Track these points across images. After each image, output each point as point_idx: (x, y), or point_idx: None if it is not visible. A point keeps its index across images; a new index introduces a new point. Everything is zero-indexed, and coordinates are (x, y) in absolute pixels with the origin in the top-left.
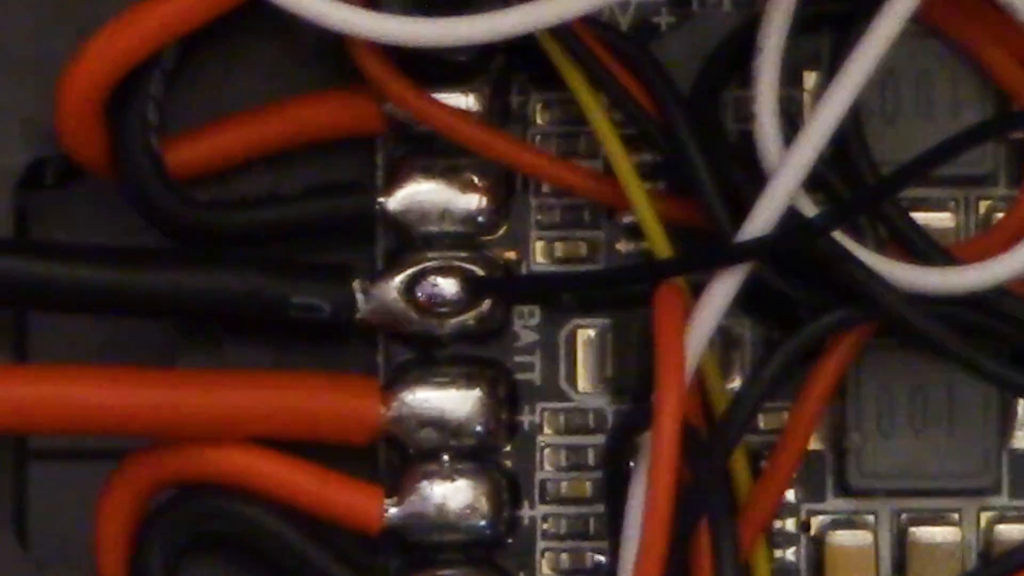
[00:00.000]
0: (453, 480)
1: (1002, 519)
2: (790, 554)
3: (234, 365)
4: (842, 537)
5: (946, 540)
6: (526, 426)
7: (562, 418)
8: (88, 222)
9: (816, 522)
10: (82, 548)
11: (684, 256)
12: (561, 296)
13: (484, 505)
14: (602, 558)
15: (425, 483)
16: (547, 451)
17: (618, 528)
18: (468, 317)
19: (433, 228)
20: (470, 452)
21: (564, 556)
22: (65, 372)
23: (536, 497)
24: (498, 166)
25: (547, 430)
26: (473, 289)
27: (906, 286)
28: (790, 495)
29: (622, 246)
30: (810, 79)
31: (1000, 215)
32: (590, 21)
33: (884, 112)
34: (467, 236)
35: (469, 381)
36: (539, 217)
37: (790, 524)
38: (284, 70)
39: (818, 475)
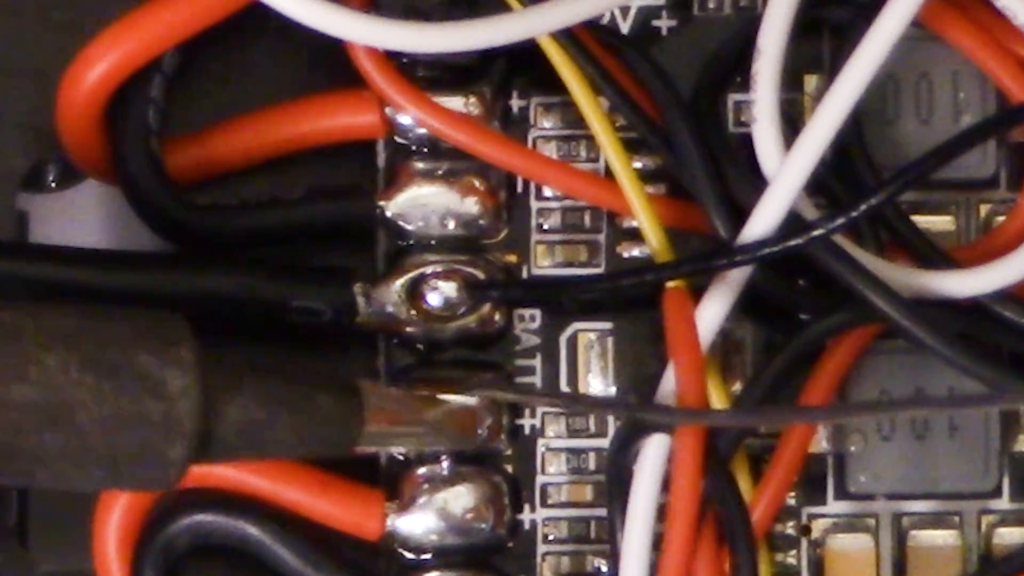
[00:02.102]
0: (454, 484)
1: (1002, 522)
2: (791, 558)
3: None
4: (843, 541)
5: (947, 543)
6: (527, 430)
7: (563, 422)
8: (89, 225)
9: (817, 525)
10: (82, 550)
11: (685, 259)
12: (562, 299)
13: (485, 509)
14: (603, 562)
15: (426, 487)
16: (548, 455)
17: (619, 531)
18: (469, 320)
19: (434, 231)
20: (471, 456)
21: (565, 560)
22: None
23: (537, 501)
24: (499, 170)
25: (548, 434)
26: (474, 292)
27: (906, 289)
28: (791, 499)
29: (623, 249)
30: (811, 82)
31: (1000, 219)
32: (591, 25)
33: (884, 115)
34: (468, 239)
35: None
36: (540, 220)
37: (791, 528)
38: (284, 74)
39: (819, 478)
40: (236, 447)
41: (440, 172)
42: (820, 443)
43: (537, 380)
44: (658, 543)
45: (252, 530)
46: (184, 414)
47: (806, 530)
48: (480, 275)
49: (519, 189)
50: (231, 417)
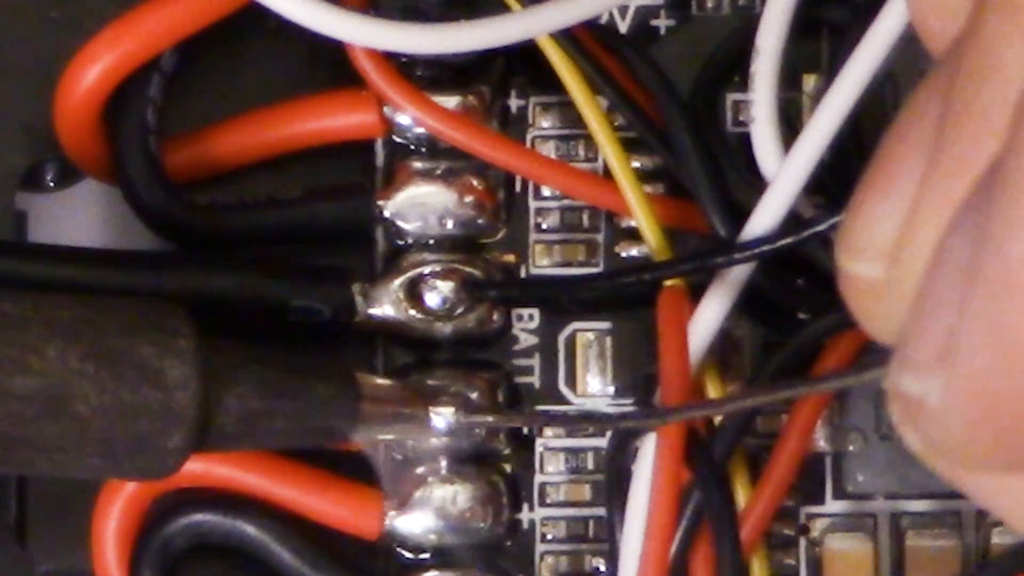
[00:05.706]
0: (452, 484)
1: (1000, 522)
2: (789, 557)
3: None
4: (841, 541)
5: (945, 543)
6: (525, 430)
7: None
8: (87, 225)
9: (815, 525)
10: (80, 549)
11: (684, 258)
12: (560, 299)
13: (483, 508)
14: (601, 561)
15: (425, 487)
16: (546, 454)
17: (618, 531)
18: (467, 320)
19: (432, 231)
20: (469, 455)
21: (563, 559)
22: None
23: (535, 500)
24: (497, 169)
25: (546, 433)
26: (472, 292)
27: None
28: (789, 499)
29: (621, 249)
30: (809, 82)
31: None
32: (589, 24)
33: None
34: (466, 239)
35: (468, 384)
36: (538, 220)
37: (789, 528)
38: (283, 73)
39: (817, 478)
40: (235, 437)
41: (438, 171)
42: (819, 443)
43: (535, 380)
44: None
45: (250, 529)
46: (183, 404)
47: (804, 530)
48: (478, 274)
49: (517, 189)
50: (230, 407)
